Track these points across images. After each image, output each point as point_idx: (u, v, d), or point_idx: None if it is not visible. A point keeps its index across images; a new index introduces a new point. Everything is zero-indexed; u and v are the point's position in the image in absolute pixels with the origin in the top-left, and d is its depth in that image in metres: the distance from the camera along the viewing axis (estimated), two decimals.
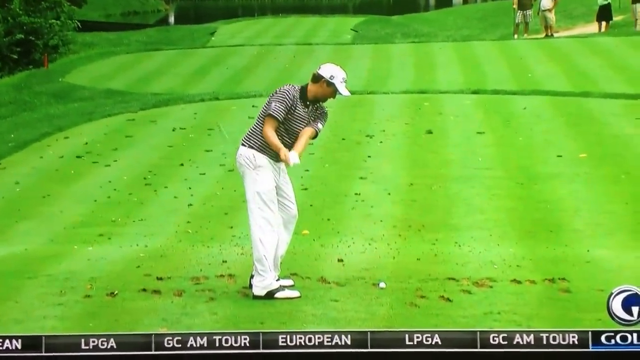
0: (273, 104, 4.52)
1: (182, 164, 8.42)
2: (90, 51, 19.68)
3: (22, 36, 19.49)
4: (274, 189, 4.56)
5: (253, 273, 4.61)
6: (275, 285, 4.56)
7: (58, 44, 20.29)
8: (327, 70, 4.57)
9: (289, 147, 4.58)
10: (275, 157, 4.56)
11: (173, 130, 10.00)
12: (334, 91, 4.57)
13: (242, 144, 4.60)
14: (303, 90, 4.60)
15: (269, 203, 4.51)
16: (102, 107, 11.94)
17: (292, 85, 4.62)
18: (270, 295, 4.52)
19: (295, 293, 4.58)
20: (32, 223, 6.74)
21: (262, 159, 4.53)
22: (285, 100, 4.51)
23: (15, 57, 19.36)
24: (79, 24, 21.75)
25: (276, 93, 4.59)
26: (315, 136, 4.62)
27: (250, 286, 4.62)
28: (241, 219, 6.39)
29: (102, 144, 9.50)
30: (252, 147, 4.55)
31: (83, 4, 27.44)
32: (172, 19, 32.13)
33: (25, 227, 6.65)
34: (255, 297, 4.53)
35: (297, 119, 4.55)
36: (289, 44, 19.46)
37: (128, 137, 9.76)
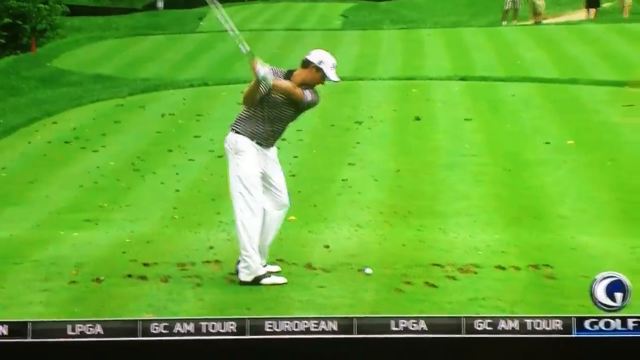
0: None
1: (170, 150, 8.40)
2: (78, 36, 19.50)
3: (10, 20, 19.29)
4: (257, 174, 4.54)
5: (239, 259, 4.61)
6: (262, 271, 4.57)
7: (46, 28, 20.10)
8: (317, 55, 4.56)
9: (271, 136, 4.55)
10: (263, 143, 4.55)
11: (162, 116, 9.96)
12: (322, 77, 4.56)
13: (230, 130, 4.59)
14: (288, 74, 4.59)
15: (250, 188, 4.49)
16: (91, 92, 11.87)
17: (278, 68, 4.60)
18: (256, 281, 4.53)
19: (281, 279, 4.59)
20: (18, 208, 6.70)
21: (246, 144, 4.50)
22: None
23: (3, 41, 19.16)
24: (67, 8, 21.55)
25: None
26: (298, 98, 4.42)
27: (237, 272, 4.63)
28: (228, 205, 6.31)
29: (90, 129, 9.44)
30: (237, 132, 4.54)
31: None
32: (161, 4, 31.84)
33: (12, 212, 6.61)
34: (242, 283, 4.55)
35: (278, 102, 4.52)
36: (279, 29, 19.38)
37: (116, 123, 9.71)
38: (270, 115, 4.52)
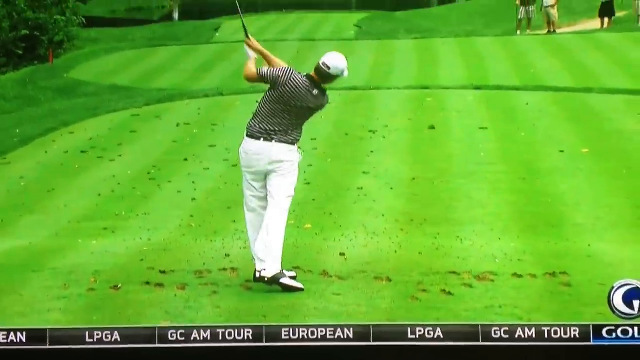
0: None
1: (185, 159, 8.46)
2: (95, 47, 19.73)
3: (27, 32, 19.58)
4: None
5: (259, 268, 4.59)
6: (280, 270, 4.61)
7: (63, 39, 20.38)
8: (329, 61, 4.63)
9: (294, 127, 4.66)
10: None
11: (177, 125, 10.04)
12: (323, 75, 4.62)
13: (287, 143, 4.62)
14: (311, 78, 4.66)
15: None
16: (107, 103, 11.99)
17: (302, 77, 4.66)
18: (277, 279, 4.55)
19: (299, 285, 4.61)
20: (36, 217, 6.78)
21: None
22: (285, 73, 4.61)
23: (21, 52, 19.43)
24: (83, 19, 21.85)
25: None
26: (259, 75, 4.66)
27: (256, 280, 4.63)
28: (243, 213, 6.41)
29: (106, 139, 9.54)
30: (295, 143, 4.68)
31: (88, 0, 27.48)
32: (176, 15, 32.20)
33: (30, 221, 6.69)
34: (264, 279, 4.53)
35: (304, 108, 4.66)
36: (293, 40, 19.50)
37: (132, 132, 9.81)
38: (300, 121, 4.67)
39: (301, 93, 4.61)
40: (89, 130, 10.02)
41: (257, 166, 4.67)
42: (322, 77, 4.63)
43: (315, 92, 4.63)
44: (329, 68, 4.61)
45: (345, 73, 4.65)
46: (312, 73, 4.66)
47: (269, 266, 4.56)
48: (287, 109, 4.63)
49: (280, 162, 4.63)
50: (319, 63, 4.64)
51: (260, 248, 4.61)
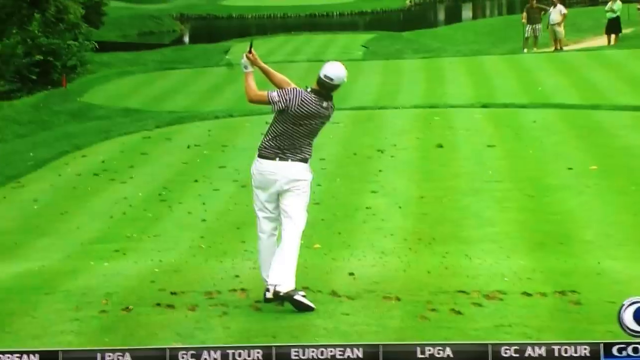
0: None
1: (196, 180, 8.53)
2: (107, 71, 19.98)
3: (41, 57, 19.86)
4: None
5: (272, 283, 4.62)
6: (293, 287, 4.63)
7: (76, 64, 20.65)
8: (328, 70, 4.70)
9: (307, 144, 4.71)
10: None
11: (188, 147, 10.13)
12: (322, 86, 4.68)
13: (302, 161, 4.68)
14: (317, 92, 4.71)
15: None
16: (119, 126, 12.12)
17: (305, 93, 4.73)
18: (289, 296, 4.58)
19: (310, 303, 4.63)
20: (49, 239, 6.85)
21: None
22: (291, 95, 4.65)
23: (34, 77, 19.69)
24: (96, 44, 22.15)
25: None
26: (266, 100, 4.69)
27: (266, 300, 4.66)
28: (253, 233, 6.43)
29: (118, 161, 9.64)
30: (308, 161, 4.74)
31: (100, 25, 27.89)
32: (187, 39, 32.56)
33: (43, 243, 6.76)
34: (280, 294, 4.55)
35: (318, 126, 4.73)
36: (301, 61, 19.66)
37: (144, 155, 9.90)
38: (312, 137, 4.74)
39: (313, 110, 4.68)
40: (101, 153, 10.13)
41: (274, 186, 4.69)
42: (327, 89, 4.70)
43: (325, 104, 4.70)
44: (332, 79, 4.69)
45: (345, 79, 4.74)
46: (315, 87, 4.71)
47: (284, 282, 4.60)
48: (301, 128, 4.69)
49: (298, 181, 4.68)
50: (320, 77, 4.69)
51: (276, 265, 4.63)
